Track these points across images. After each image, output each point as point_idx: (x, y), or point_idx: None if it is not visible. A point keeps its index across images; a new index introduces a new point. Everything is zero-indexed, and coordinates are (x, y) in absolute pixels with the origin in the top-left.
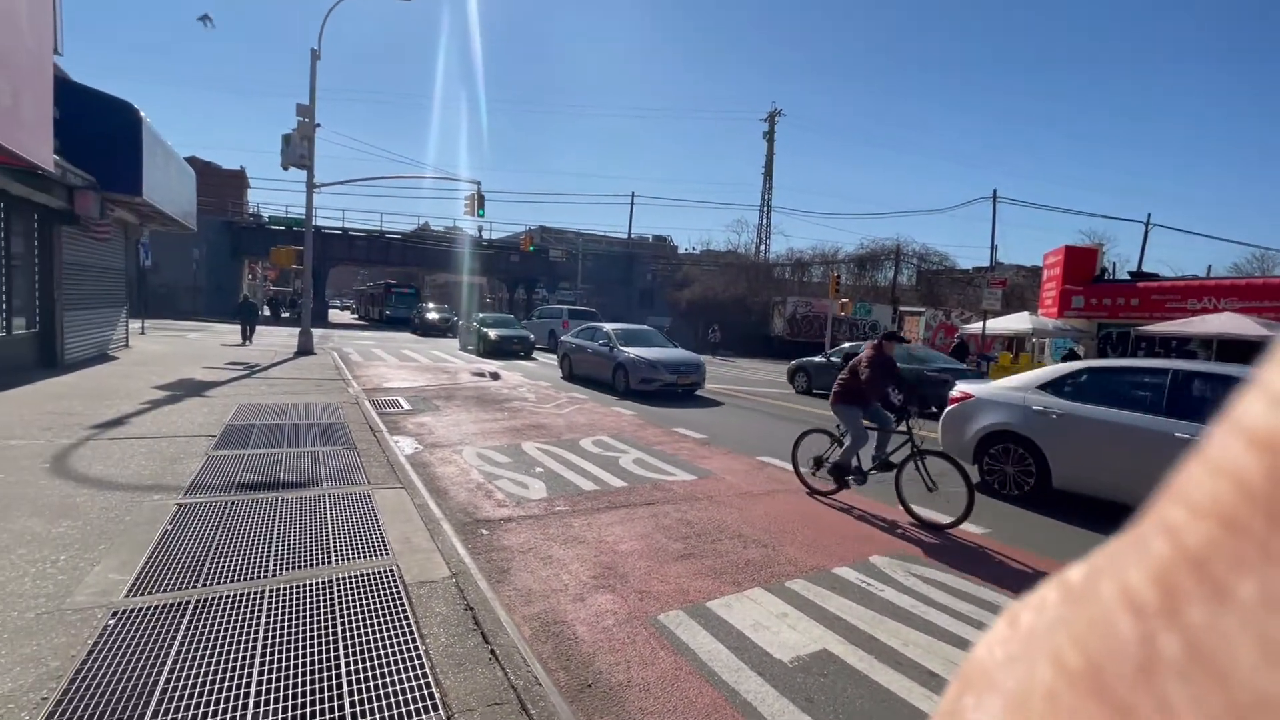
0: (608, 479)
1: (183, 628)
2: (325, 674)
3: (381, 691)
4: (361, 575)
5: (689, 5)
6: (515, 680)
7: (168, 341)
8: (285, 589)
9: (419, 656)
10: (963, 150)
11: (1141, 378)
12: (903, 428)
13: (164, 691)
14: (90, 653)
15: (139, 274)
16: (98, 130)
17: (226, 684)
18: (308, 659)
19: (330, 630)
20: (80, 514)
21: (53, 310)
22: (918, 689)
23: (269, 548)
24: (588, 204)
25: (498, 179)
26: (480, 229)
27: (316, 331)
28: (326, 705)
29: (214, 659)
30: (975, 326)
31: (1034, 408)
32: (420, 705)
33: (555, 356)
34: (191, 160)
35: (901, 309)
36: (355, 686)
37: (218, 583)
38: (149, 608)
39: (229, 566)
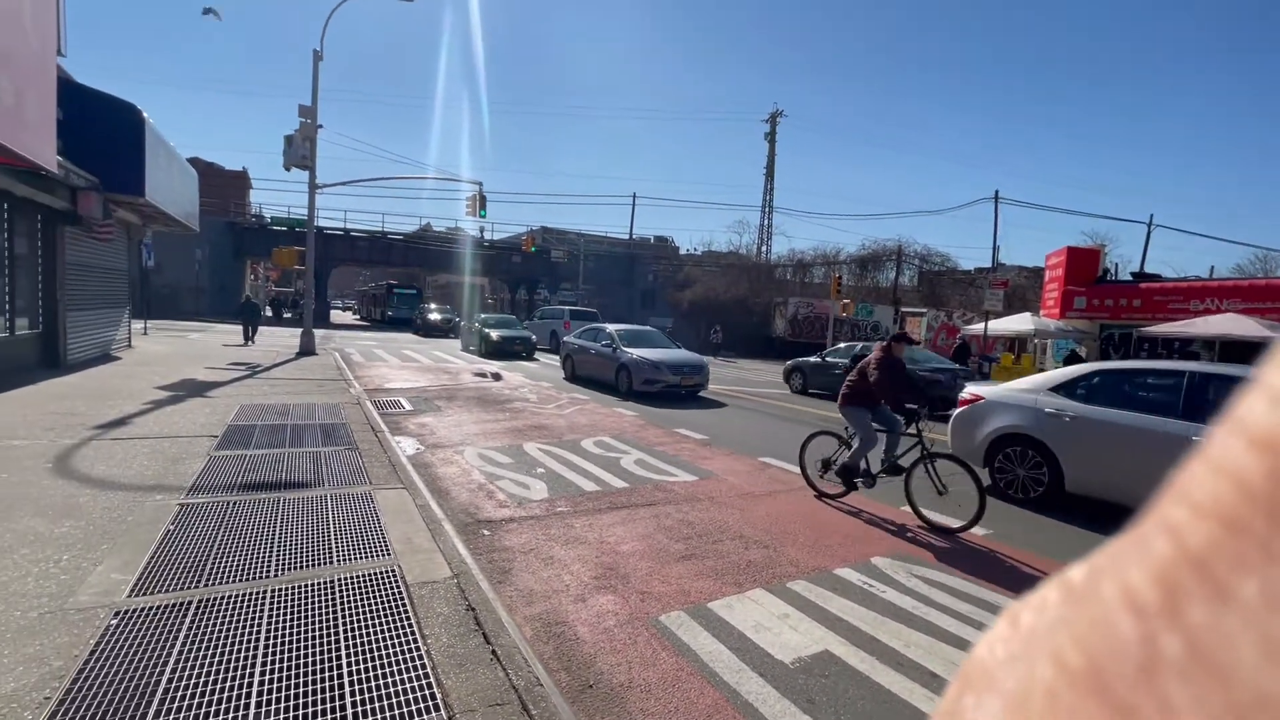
0: (609, 480)
1: (185, 628)
2: (327, 674)
3: (383, 692)
4: (363, 575)
5: (689, 5)
6: (517, 681)
7: (170, 342)
8: (287, 589)
9: (420, 657)
10: (963, 150)
11: (1157, 380)
12: (912, 430)
13: (166, 691)
14: (93, 652)
15: (141, 274)
16: (101, 131)
17: (228, 684)
18: (310, 659)
19: (332, 630)
20: (83, 514)
21: (55, 311)
22: (919, 690)
23: (271, 548)
24: (589, 205)
25: (499, 180)
26: (482, 230)
27: (318, 332)
28: (328, 705)
29: (216, 659)
30: (977, 327)
31: (1046, 410)
32: (422, 705)
33: (557, 357)
34: (194, 161)
35: (903, 310)
36: (357, 686)
37: (220, 583)
38: (151, 608)
39: (231, 566)
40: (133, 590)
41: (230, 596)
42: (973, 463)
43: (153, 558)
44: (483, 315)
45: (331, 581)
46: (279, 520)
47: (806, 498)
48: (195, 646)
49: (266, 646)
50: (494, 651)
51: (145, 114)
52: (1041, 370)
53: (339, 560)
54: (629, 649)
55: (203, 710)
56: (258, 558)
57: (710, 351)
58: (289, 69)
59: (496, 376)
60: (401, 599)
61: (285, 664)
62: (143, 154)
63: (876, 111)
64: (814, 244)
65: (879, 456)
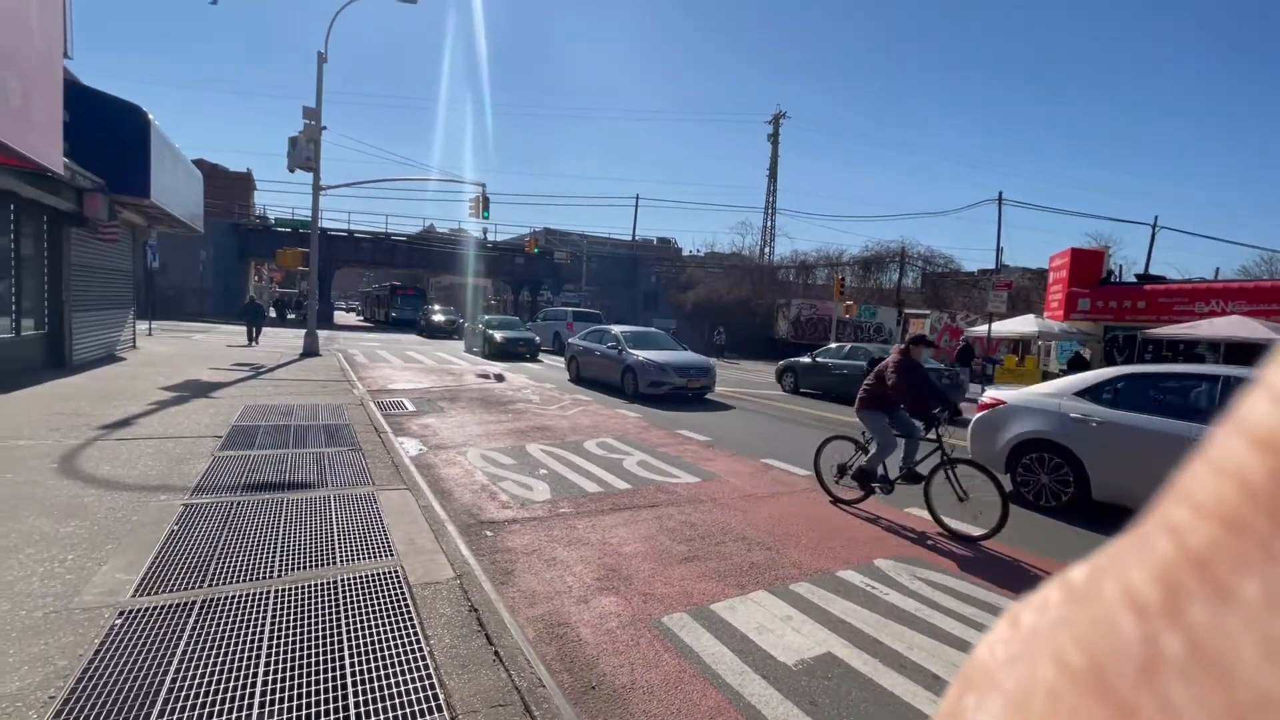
0: (612, 481)
1: (189, 628)
2: (330, 674)
3: (386, 692)
4: (366, 576)
5: (690, 6)
6: (519, 682)
7: (174, 343)
8: (291, 589)
9: (423, 658)
10: (965, 151)
11: (1187, 384)
12: (932, 435)
13: (170, 691)
14: (97, 652)
15: (146, 276)
16: (107, 133)
17: (232, 684)
18: (313, 659)
19: (335, 631)
20: (88, 514)
21: (61, 311)
22: (922, 692)
23: (274, 548)
24: (592, 206)
25: (502, 181)
26: (485, 231)
27: (322, 333)
28: (331, 705)
29: (220, 659)
30: (981, 329)
31: (1071, 415)
32: (424, 706)
33: (560, 359)
34: (199, 163)
35: (906, 311)
36: (360, 687)
37: (224, 583)
38: (155, 607)
39: (235, 567)
40: (137, 590)
41: (234, 597)
42: (994, 469)
43: (157, 558)
44: (486, 317)
45: (335, 582)
46: (283, 521)
47: (809, 499)
48: (199, 646)
49: (270, 647)
50: (497, 652)
51: (151, 116)
52: (1046, 372)
53: (342, 561)
54: (631, 650)
55: (207, 710)
56: (261, 558)
57: (713, 353)
58: (293, 71)
59: (500, 378)
60: (404, 600)
61: (289, 664)
62: (148, 156)
63: (878, 112)
64: (817, 245)
65: (897, 463)
